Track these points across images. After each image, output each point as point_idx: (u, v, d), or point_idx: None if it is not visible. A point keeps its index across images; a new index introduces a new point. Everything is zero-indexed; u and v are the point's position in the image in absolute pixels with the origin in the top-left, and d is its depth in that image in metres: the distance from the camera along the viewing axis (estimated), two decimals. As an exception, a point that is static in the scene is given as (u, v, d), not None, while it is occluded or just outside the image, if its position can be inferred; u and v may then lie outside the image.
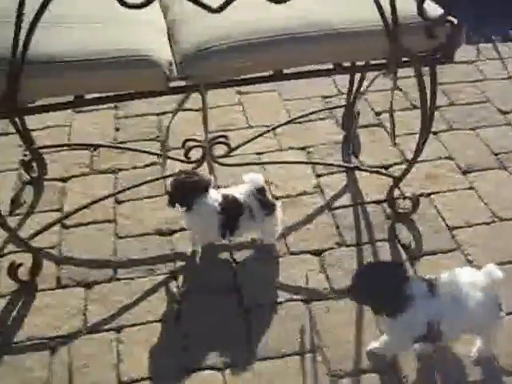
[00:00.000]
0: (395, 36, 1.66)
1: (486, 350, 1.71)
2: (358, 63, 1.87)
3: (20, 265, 1.97)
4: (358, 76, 2.43)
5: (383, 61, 1.76)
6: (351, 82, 2.50)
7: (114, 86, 1.65)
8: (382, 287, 1.57)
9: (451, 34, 1.72)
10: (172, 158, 2.25)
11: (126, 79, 1.63)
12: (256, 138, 2.46)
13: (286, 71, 1.78)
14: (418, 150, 2.03)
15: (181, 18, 1.79)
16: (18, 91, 1.53)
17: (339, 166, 2.45)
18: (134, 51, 1.62)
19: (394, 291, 1.56)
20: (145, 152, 2.46)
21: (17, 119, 2.24)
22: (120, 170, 2.48)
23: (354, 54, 1.76)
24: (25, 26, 1.45)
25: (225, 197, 1.93)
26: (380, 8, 1.60)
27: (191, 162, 2.16)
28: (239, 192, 1.94)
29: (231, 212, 1.91)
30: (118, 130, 2.73)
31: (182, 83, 1.71)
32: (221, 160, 2.18)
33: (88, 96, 1.70)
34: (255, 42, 1.64)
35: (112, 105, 2.87)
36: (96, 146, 2.60)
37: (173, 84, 1.67)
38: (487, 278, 1.56)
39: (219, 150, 2.17)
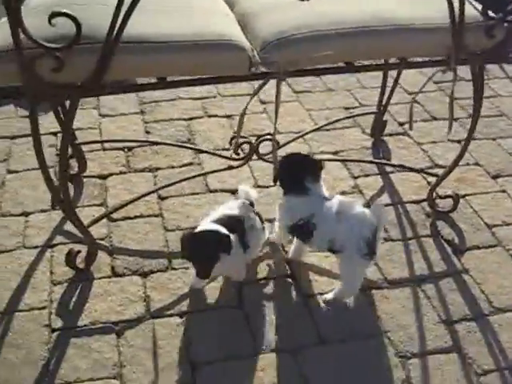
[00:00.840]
0: (460, 34, 1.76)
1: (339, 293, 1.90)
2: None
3: (79, 252, 1.98)
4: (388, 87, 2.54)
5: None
6: (382, 91, 2.61)
7: (199, 69, 1.70)
8: (296, 172, 1.88)
9: (508, 34, 1.84)
10: (220, 156, 2.30)
11: (213, 62, 1.67)
12: (292, 140, 2.52)
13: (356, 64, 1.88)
14: (464, 150, 2.13)
15: (251, 11, 1.86)
16: (107, 70, 1.56)
17: (387, 164, 2.53)
18: (221, 36, 1.67)
19: (303, 178, 1.85)
20: (191, 149, 2.52)
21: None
22: (157, 169, 2.52)
23: (419, 49, 1.86)
24: (102, 10, 1.51)
25: (228, 216, 1.87)
26: (451, 7, 1.69)
27: (240, 159, 2.23)
28: (236, 208, 1.90)
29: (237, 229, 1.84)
30: (148, 132, 2.77)
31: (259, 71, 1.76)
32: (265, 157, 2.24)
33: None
34: (334, 32, 1.72)
35: (138, 110, 2.93)
36: (144, 142, 2.65)
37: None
38: (374, 216, 1.79)
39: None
